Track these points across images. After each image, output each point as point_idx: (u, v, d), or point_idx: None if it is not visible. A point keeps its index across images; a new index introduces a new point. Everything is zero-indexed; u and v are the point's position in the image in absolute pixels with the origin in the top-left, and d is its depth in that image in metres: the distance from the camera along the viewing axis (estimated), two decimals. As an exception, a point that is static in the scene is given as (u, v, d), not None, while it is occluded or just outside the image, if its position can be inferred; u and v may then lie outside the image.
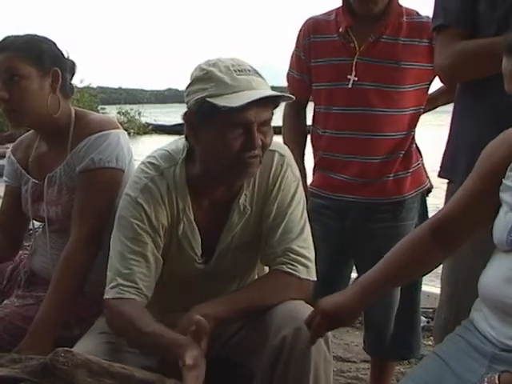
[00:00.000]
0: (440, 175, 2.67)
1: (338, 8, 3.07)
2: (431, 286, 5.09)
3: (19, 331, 2.47)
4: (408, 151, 3.08)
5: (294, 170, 2.35)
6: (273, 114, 2.18)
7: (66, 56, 2.63)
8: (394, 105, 2.96)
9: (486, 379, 1.63)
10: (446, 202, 2.59)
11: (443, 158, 2.66)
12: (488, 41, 2.29)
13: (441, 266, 2.40)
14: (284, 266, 2.24)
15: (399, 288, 3.07)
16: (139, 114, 36.99)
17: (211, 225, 2.30)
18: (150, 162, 2.28)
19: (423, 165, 3.19)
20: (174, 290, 2.35)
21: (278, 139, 2.36)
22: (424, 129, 3.35)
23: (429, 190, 3.20)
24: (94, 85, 34.36)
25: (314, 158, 3.17)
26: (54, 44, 2.60)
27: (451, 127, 2.63)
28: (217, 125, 2.09)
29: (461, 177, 2.46)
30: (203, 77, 2.11)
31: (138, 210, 2.22)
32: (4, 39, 2.53)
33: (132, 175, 2.34)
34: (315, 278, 2.30)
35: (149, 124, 35.27)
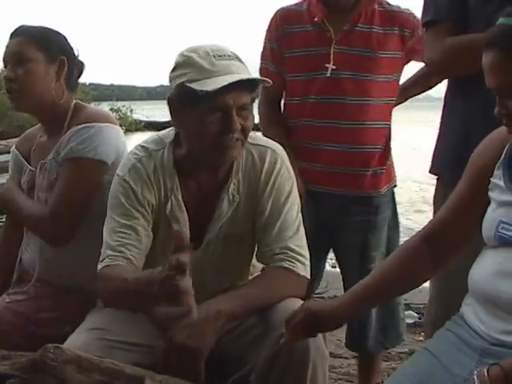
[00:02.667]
0: (430, 171, 2.68)
1: None
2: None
3: (8, 326, 2.52)
4: (387, 146, 3.11)
5: (289, 169, 2.36)
6: (254, 99, 2.22)
7: (76, 54, 2.72)
8: (370, 94, 2.98)
9: (475, 373, 1.63)
10: (434, 198, 2.61)
11: (433, 154, 2.67)
12: (477, 36, 2.30)
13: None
14: (284, 263, 2.24)
15: None
16: (131, 110, 36.92)
17: (201, 212, 2.31)
18: (140, 145, 2.35)
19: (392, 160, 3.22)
20: None
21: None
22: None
23: (394, 186, 3.24)
24: (87, 82, 34.34)
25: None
26: (66, 39, 2.70)
27: (441, 124, 2.64)
28: (196, 109, 2.12)
29: (449, 173, 2.48)
30: (184, 62, 2.16)
31: (125, 187, 2.27)
32: (19, 27, 2.66)
33: (123, 158, 2.39)
34: (309, 277, 2.31)
35: (140, 121, 35.20)
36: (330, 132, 2.97)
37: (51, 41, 2.63)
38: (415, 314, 5.36)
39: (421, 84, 3.35)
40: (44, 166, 2.64)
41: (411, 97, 3.40)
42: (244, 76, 2.12)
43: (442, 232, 2.02)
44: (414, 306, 5.49)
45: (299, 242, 2.29)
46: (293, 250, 2.26)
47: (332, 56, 2.94)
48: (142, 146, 2.34)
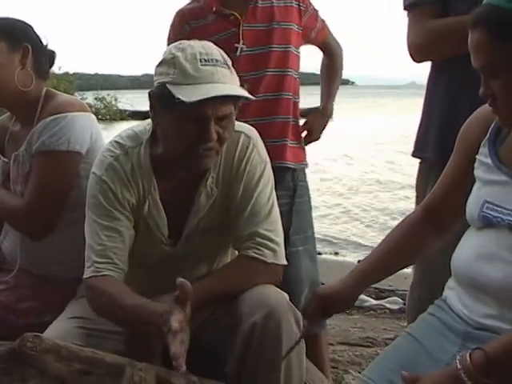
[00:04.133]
0: (413, 155, 2.67)
1: None
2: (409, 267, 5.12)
3: None
4: (297, 121, 3.20)
5: (261, 152, 2.33)
6: (236, 107, 2.16)
7: (44, 43, 2.67)
8: (281, 65, 3.08)
9: (458, 358, 1.62)
10: (417, 182, 2.61)
11: (416, 138, 2.67)
12: (458, 19, 2.30)
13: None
14: (250, 251, 2.22)
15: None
16: (116, 99, 36.87)
17: (178, 207, 2.28)
18: (116, 141, 2.29)
19: None
20: (144, 274, 2.34)
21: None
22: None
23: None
24: (71, 71, 34.24)
25: None
26: (31, 27, 2.65)
27: (424, 106, 2.64)
28: (173, 114, 2.08)
29: (431, 154, 2.47)
30: (169, 61, 2.10)
31: (103, 187, 2.23)
32: None
33: (99, 154, 2.33)
34: (284, 262, 2.29)
35: (125, 110, 35.14)
36: (255, 106, 2.99)
37: (13, 29, 2.58)
38: (400, 300, 5.39)
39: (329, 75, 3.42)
40: (17, 158, 2.61)
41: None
42: (224, 91, 2.07)
43: (440, 206, 2.03)
44: (400, 293, 5.52)
45: (270, 226, 2.27)
46: (262, 236, 2.23)
47: (242, 35, 3.04)
48: (118, 143, 2.28)
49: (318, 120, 3.31)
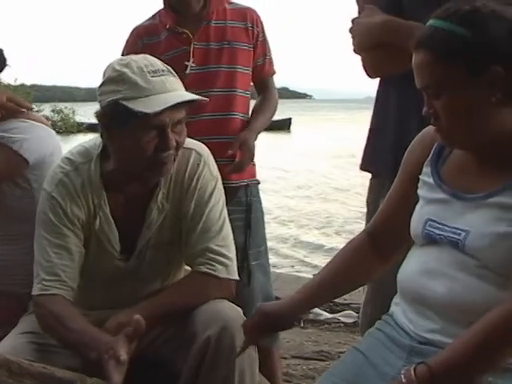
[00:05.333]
0: (362, 168, 2.69)
1: (159, 10, 3.21)
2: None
3: None
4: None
5: (212, 169, 2.36)
6: (186, 112, 2.20)
7: None
8: (229, 85, 3.10)
9: (402, 372, 1.65)
10: (368, 196, 2.63)
11: (365, 151, 2.68)
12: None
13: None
14: (202, 267, 2.25)
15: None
16: (73, 112, 36.63)
17: (130, 222, 2.30)
18: (66, 158, 2.30)
19: None
20: (98, 289, 2.35)
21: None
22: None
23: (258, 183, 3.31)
24: (28, 82, 33.99)
25: None
26: None
27: (372, 121, 2.66)
28: (131, 127, 2.11)
29: (383, 169, 2.50)
30: (116, 78, 2.12)
31: (53, 204, 2.24)
32: None
33: (50, 170, 2.34)
34: (236, 277, 2.32)
35: (82, 123, 34.97)
36: (204, 125, 3.01)
37: None
38: (355, 314, 5.41)
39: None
40: None
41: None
42: (182, 97, 2.13)
43: (384, 229, 2.05)
44: (354, 306, 5.54)
45: (222, 242, 2.30)
46: (214, 252, 2.26)
47: (192, 53, 3.06)
48: (68, 159, 2.29)
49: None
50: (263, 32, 3.22)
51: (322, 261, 8.11)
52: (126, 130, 2.12)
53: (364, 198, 2.67)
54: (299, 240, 10.64)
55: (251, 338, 2.07)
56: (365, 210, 2.65)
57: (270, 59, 3.28)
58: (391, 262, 2.08)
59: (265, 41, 3.23)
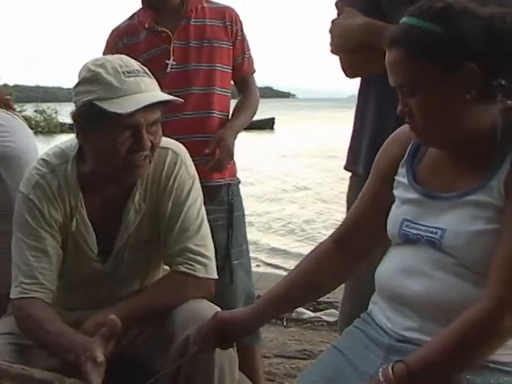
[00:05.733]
0: (345, 168, 2.71)
1: (138, 10, 3.23)
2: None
3: None
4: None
5: (189, 168, 2.36)
6: (161, 112, 2.19)
7: None
8: (208, 83, 3.12)
9: (380, 370, 1.66)
10: (348, 195, 2.64)
11: (348, 151, 2.70)
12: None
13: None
14: (181, 267, 2.25)
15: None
16: (56, 112, 36.52)
17: (107, 224, 2.29)
18: (42, 159, 2.29)
19: None
20: (76, 290, 2.35)
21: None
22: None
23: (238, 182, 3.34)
24: (11, 83, 33.90)
25: None
26: None
27: (355, 121, 2.67)
28: (105, 128, 2.10)
29: (361, 169, 2.51)
30: (91, 78, 2.11)
31: (30, 206, 2.23)
32: None
33: (26, 172, 2.33)
34: (215, 276, 2.32)
35: (65, 123, 34.88)
36: (177, 125, 3.00)
37: None
38: (337, 312, 5.39)
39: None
40: None
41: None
42: (156, 98, 2.12)
43: (354, 232, 2.04)
44: (337, 305, 5.52)
45: (200, 241, 2.30)
46: (192, 251, 2.26)
47: (172, 52, 3.08)
48: (45, 161, 2.28)
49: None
50: (242, 30, 3.24)
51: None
52: (101, 130, 2.11)
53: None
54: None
55: (205, 345, 2.04)
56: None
57: (250, 58, 3.30)
58: (366, 259, 2.07)
59: (244, 39, 3.25)
